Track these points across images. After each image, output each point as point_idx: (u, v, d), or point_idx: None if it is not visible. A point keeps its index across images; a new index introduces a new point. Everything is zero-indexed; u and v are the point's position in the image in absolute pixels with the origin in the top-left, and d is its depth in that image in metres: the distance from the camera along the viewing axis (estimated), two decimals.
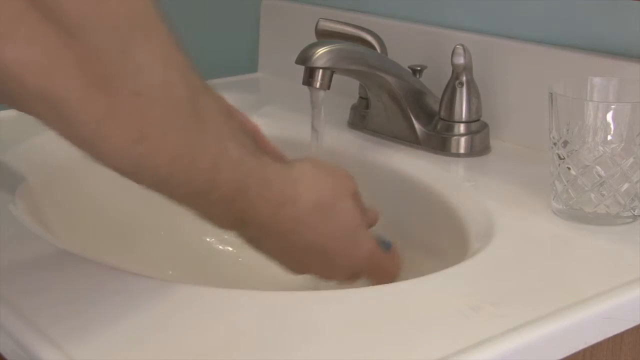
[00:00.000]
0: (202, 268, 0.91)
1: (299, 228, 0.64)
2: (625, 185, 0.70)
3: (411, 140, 0.90)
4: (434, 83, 0.91)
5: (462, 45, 0.86)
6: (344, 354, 0.52)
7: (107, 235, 0.87)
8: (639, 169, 0.70)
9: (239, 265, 0.85)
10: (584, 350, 0.59)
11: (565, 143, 0.70)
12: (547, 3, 0.89)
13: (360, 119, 0.95)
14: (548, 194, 0.74)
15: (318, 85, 0.80)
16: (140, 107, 0.49)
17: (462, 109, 0.88)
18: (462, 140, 0.88)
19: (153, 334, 0.53)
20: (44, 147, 0.84)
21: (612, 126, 0.69)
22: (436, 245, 0.80)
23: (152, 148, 0.51)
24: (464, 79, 0.87)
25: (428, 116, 0.90)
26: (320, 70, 0.80)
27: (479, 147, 0.89)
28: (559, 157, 0.71)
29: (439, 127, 0.89)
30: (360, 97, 0.96)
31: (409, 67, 0.91)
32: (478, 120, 0.89)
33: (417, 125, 0.90)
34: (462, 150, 0.88)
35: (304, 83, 0.81)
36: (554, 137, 0.71)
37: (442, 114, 0.89)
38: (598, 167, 0.70)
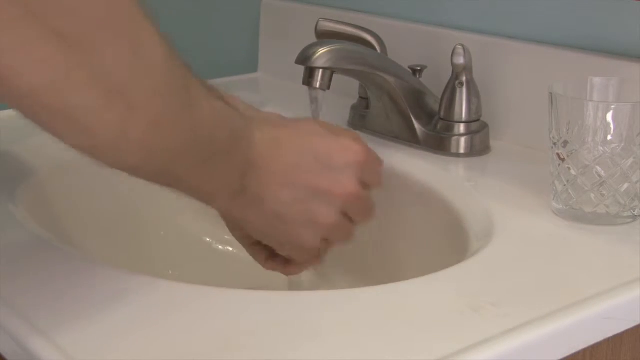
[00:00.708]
0: (202, 268, 0.91)
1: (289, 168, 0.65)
2: (625, 185, 0.70)
3: (411, 140, 0.90)
4: (434, 83, 0.91)
5: (462, 45, 0.86)
6: (344, 354, 0.52)
7: (107, 235, 0.87)
8: (639, 169, 0.70)
9: (239, 265, 0.85)
10: (584, 350, 0.59)
11: (565, 143, 0.70)
12: (547, 3, 0.89)
13: (360, 119, 0.95)
14: (548, 194, 0.74)
15: (318, 85, 0.80)
16: (157, 103, 0.51)
17: (462, 109, 0.88)
18: (462, 140, 0.88)
19: (154, 334, 0.53)
20: (44, 147, 0.83)
21: (612, 126, 0.69)
22: (436, 245, 0.80)
23: (165, 133, 0.53)
24: (464, 79, 0.87)
25: (428, 116, 0.90)
26: (320, 70, 0.80)
27: (479, 147, 0.89)
28: (559, 157, 0.71)
29: (439, 127, 0.89)
30: (360, 97, 0.96)
31: (409, 67, 0.91)
32: (478, 120, 0.89)
33: (417, 125, 0.90)
34: (462, 150, 0.88)
35: (304, 83, 0.81)
36: (554, 137, 0.71)
37: (442, 114, 0.89)
38: (598, 167, 0.70)
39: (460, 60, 0.86)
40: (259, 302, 0.58)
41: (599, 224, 0.71)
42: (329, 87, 0.81)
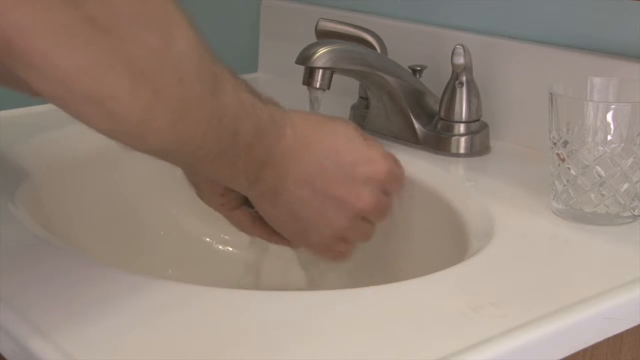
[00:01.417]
0: (202, 268, 0.91)
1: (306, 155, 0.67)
2: (625, 185, 0.70)
3: (411, 140, 0.90)
4: (434, 83, 0.91)
5: (462, 45, 0.86)
6: (344, 354, 0.52)
7: (107, 235, 0.87)
8: (639, 169, 0.70)
9: (239, 265, 0.85)
10: (584, 350, 0.59)
11: (565, 143, 0.70)
12: (547, 3, 0.89)
13: (360, 119, 0.95)
14: (548, 194, 0.74)
15: (318, 85, 0.80)
16: (182, 91, 0.52)
17: (462, 109, 0.88)
18: (462, 140, 0.88)
19: (154, 334, 0.53)
20: (44, 147, 0.84)
21: (612, 126, 0.69)
22: (436, 245, 0.79)
23: (190, 122, 0.55)
24: (464, 79, 0.87)
25: (428, 116, 0.90)
26: (320, 70, 0.80)
27: (479, 147, 0.89)
28: (559, 157, 0.71)
29: (439, 127, 0.89)
30: (360, 97, 0.96)
31: (409, 67, 0.91)
32: (478, 120, 0.89)
33: (417, 125, 0.90)
34: (462, 150, 0.88)
35: (304, 83, 0.81)
36: (554, 137, 0.71)
37: (442, 114, 0.89)
38: (598, 167, 0.69)
39: (460, 60, 0.86)
40: (258, 302, 0.58)
41: (599, 224, 0.71)
42: (329, 87, 0.81)
